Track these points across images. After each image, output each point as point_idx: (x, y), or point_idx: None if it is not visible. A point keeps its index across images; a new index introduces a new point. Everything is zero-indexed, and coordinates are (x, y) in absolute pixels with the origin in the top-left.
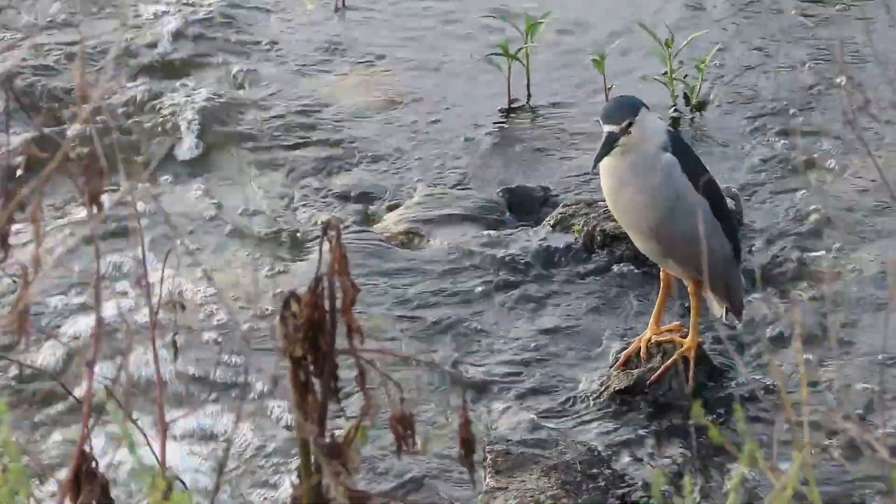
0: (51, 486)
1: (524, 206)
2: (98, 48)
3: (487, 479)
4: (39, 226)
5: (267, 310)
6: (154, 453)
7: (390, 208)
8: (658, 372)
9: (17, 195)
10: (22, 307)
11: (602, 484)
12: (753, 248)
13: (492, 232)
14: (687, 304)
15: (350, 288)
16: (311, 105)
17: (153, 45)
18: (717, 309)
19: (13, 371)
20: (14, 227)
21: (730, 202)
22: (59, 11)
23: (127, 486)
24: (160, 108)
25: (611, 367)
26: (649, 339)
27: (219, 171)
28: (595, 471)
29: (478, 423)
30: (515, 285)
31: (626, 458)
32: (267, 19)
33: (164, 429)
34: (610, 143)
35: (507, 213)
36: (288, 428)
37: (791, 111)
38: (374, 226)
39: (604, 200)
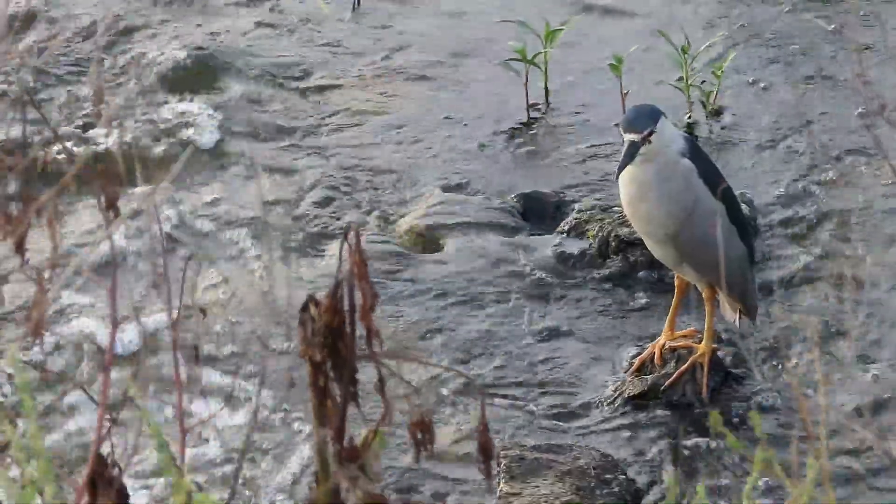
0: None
1: (539, 211)
2: (116, 55)
3: (501, 485)
4: (56, 230)
5: (284, 313)
6: (172, 456)
7: (405, 213)
8: (672, 377)
9: (36, 202)
10: (39, 312)
11: (616, 490)
12: (768, 254)
13: (506, 237)
14: (702, 310)
15: (370, 293)
16: (325, 109)
17: (168, 52)
18: (731, 314)
19: (33, 374)
20: (31, 231)
21: (745, 208)
22: (85, 17)
23: (144, 488)
24: (172, 114)
25: (625, 372)
26: (664, 345)
27: (233, 176)
28: (609, 476)
29: (492, 427)
30: (530, 290)
31: (639, 464)
32: (283, 21)
33: (183, 432)
34: (632, 153)
35: (522, 219)
36: (305, 431)
37: (807, 117)
38: (389, 231)
39: (618, 206)
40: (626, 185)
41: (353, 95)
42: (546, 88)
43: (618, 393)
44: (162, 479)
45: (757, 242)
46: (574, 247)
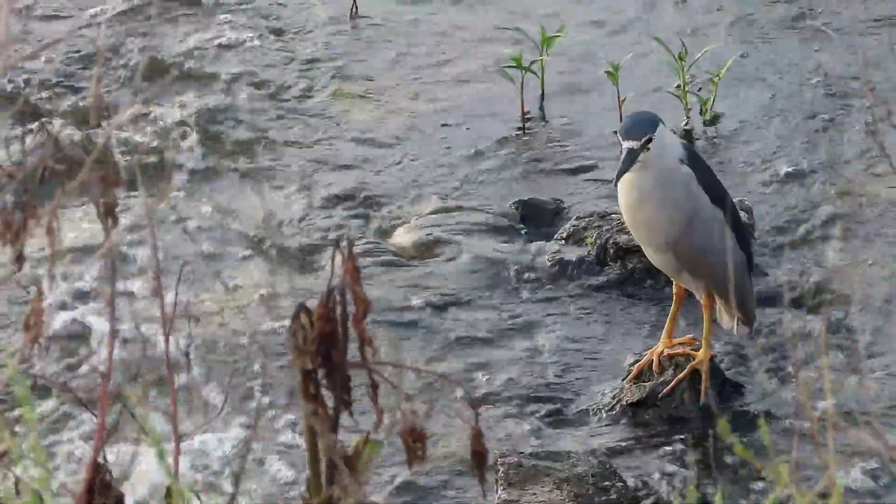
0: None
1: (537, 218)
2: (115, 60)
3: (499, 492)
4: (55, 238)
5: (280, 321)
6: (168, 465)
7: (403, 221)
8: (670, 385)
9: (36, 210)
10: (36, 320)
11: (614, 497)
12: (767, 261)
13: (505, 244)
14: (700, 318)
15: (362, 300)
16: (322, 117)
17: (166, 58)
18: (728, 321)
19: (28, 381)
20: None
21: (743, 215)
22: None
23: (142, 497)
24: (168, 120)
25: (623, 379)
26: (662, 352)
27: (229, 184)
28: (607, 483)
29: (489, 435)
30: (528, 297)
31: (637, 471)
32: (279, 29)
33: (178, 440)
34: (630, 160)
35: (520, 226)
36: (300, 439)
37: (808, 123)
38: (387, 239)
39: (617, 213)
40: (626, 192)
41: (350, 104)
42: (543, 95)
43: (616, 400)
44: (159, 487)
45: (755, 249)
46: (572, 254)
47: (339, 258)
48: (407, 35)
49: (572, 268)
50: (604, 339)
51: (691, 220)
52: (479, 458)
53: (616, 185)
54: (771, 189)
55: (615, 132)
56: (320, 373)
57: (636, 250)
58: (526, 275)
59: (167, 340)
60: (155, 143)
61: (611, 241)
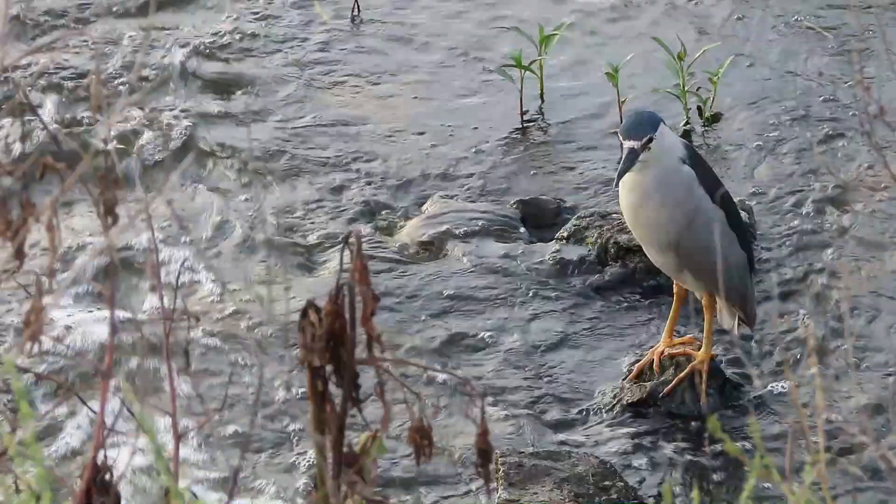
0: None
1: (538, 218)
2: (116, 59)
3: (500, 491)
4: (55, 235)
5: (282, 319)
6: (168, 463)
7: (404, 221)
8: (671, 384)
9: (35, 207)
10: (36, 318)
11: (614, 496)
12: (767, 261)
13: (505, 244)
14: (701, 317)
15: (371, 297)
16: (324, 117)
17: (165, 59)
18: (728, 321)
19: (29, 380)
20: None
21: (743, 215)
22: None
23: (141, 496)
24: (170, 120)
25: (624, 379)
26: (662, 352)
27: (233, 183)
28: (607, 483)
29: (491, 434)
30: (529, 297)
31: (638, 471)
32: (282, 31)
33: (177, 438)
34: (631, 160)
35: (521, 226)
36: (304, 436)
37: (805, 123)
38: (389, 238)
39: (618, 212)
40: (627, 191)
41: (351, 103)
42: (542, 94)
43: (616, 400)
44: (158, 486)
45: (756, 249)
46: (573, 253)
47: (346, 255)
48: (407, 35)
49: (573, 267)
50: (604, 338)
51: (692, 219)
52: (484, 456)
53: (617, 185)
54: (771, 189)
55: (616, 132)
56: (327, 370)
57: (637, 250)
58: (526, 274)
59: (167, 339)
60: (153, 142)
61: (612, 241)
